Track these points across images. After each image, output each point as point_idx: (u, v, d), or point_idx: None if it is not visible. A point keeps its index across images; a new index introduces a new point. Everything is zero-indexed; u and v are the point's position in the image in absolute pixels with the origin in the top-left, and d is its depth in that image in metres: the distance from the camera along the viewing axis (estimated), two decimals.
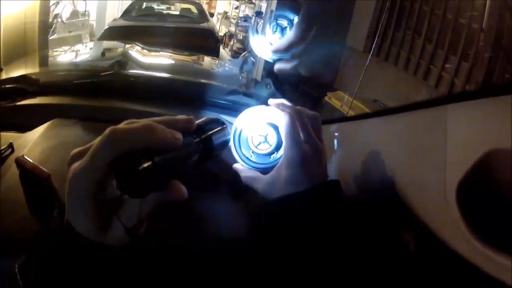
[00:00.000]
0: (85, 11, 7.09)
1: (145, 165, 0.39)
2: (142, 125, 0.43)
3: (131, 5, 6.72)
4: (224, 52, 8.03)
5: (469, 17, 2.01)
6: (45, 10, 2.41)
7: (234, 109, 1.24)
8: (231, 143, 0.68)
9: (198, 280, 0.69)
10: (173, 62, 2.39)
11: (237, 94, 1.36)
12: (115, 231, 0.45)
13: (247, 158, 0.70)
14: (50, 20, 5.12)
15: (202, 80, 1.74)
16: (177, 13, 7.07)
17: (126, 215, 0.46)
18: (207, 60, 2.87)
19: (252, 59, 6.46)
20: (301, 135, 0.64)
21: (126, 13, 6.25)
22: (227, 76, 2.49)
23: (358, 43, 3.24)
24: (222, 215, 0.79)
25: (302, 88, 1.31)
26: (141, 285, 0.64)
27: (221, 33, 9.24)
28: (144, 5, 6.96)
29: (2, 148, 0.96)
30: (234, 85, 1.96)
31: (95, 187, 0.43)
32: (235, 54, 8.18)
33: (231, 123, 1.04)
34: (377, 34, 2.94)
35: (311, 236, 0.60)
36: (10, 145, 0.98)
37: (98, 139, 0.42)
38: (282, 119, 0.64)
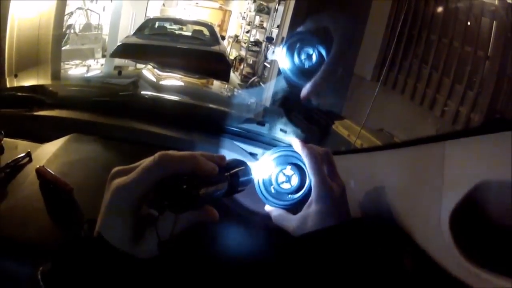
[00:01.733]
0: (98, 24, 7.18)
1: (189, 186, 0.45)
2: (188, 154, 0.49)
3: (144, 23, 6.81)
4: (233, 76, 8.05)
5: (475, 45, 2.05)
6: (60, 20, 2.44)
7: (249, 137, 1.26)
8: (255, 181, 0.71)
9: None
10: (184, 84, 2.43)
11: (252, 122, 1.38)
12: (145, 245, 0.49)
13: (269, 194, 0.72)
14: (63, 29, 5.18)
15: (219, 107, 1.78)
16: (189, 34, 7.13)
17: (161, 230, 0.48)
18: (216, 84, 2.90)
19: (262, 84, 6.48)
20: (327, 173, 0.68)
21: (139, 31, 6.33)
22: (237, 102, 2.52)
23: (366, 72, 3.28)
24: (248, 245, 0.81)
25: (310, 116, 1.33)
26: None
27: (231, 57, 9.29)
28: (157, 24, 7.04)
29: (20, 156, 0.97)
30: (245, 111, 2.00)
31: (138, 201, 0.48)
32: (245, 79, 8.19)
33: (245, 150, 1.07)
34: (386, 63, 2.98)
35: (338, 267, 0.63)
36: (28, 154, 0.99)
37: (147, 160, 0.47)
38: (310, 157, 0.68)
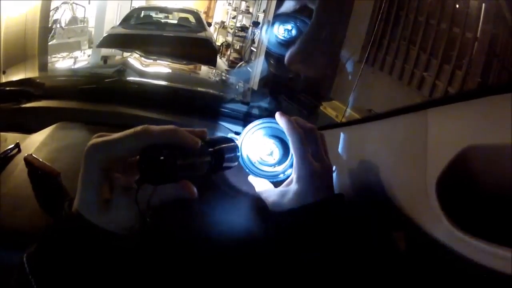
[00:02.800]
0: (84, 17, 7.11)
1: (167, 156, 0.45)
2: (168, 126, 0.48)
3: (130, 13, 6.76)
4: (220, 62, 8.03)
5: (463, 27, 2.05)
6: (45, 15, 2.43)
7: (235, 117, 1.27)
8: (239, 150, 0.70)
9: (199, 279, 0.72)
10: (171, 71, 2.42)
11: (236, 103, 1.38)
12: (123, 220, 0.49)
13: (253, 165, 0.72)
14: (50, 25, 5.14)
15: (204, 89, 1.78)
16: (175, 22, 7.08)
17: (140, 204, 0.49)
18: (204, 69, 2.89)
19: (249, 69, 6.48)
20: (310, 152, 0.67)
21: (124, 21, 6.28)
22: (225, 85, 2.53)
23: (353, 53, 3.28)
24: (229, 222, 0.82)
25: (298, 97, 1.33)
26: (147, 272, 0.67)
27: (218, 43, 9.25)
28: (143, 13, 6.98)
29: (9, 147, 0.99)
30: (232, 94, 2.00)
31: (111, 164, 0.48)
32: (232, 64, 8.17)
33: (231, 130, 1.07)
34: (375, 44, 2.97)
35: (315, 246, 0.64)
36: (17, 145, 1.00)
37: (130, 130, 0.47)
38: (293, 136, 0.66)
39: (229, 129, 1.19)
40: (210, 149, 0.54)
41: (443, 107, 0.60)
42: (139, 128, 0.47)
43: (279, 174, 0.72)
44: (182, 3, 9.34)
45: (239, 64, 7.62)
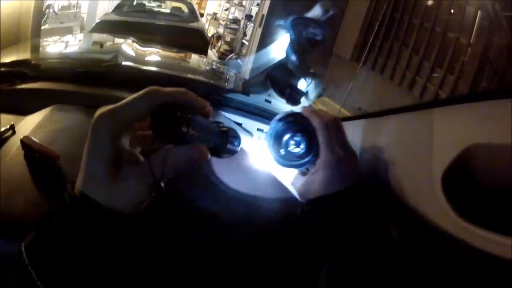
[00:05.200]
0: (77, 3, 7.04)
1: (183, 112, 0.43)
2: (179, 88, 0.47)
3: (123, 0, 6.70)
4: (211, 53, 7.99)
5: (457, 32, 2.07)
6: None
7: (235, 107, 1.26)
8: (267, 141, 0.75)
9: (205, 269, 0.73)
10: (164, 58, 2.41)
11: (236, 93, 1.37)
12: (131, 196, 0.45)
13: (279, 156, 0.76)
14: (43, 9, 5.08)
15: (203, 79, 1.77)
16: (168, 11, 7.05)
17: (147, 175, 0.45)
18: (194, 58, 2.87)
19: (239, 61, 6.46)
20: (336, 140, 0.70)
21: (118, 8, 6.22)
22: (216, 74, 2.52)
23: (345, 51, 3.30)
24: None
25: (288, 92, 1.33)
26: (154, 257, 0.66)
27: (209, 34, 9.22)
28: (135, 1, 6.93)
29: (3, 129, 0.96)
30: (226, 83, 2.00)
31: (120, 129, 0.46)
32: (222, 56, 8.15)
33: (230, 120, 1.07)
34: (368, 43, 2.99)
35: (343, 231, 0.66)
36: (11, 127, 0.98)
37: (137, 93, 0.45)
38: (319, 125, 0.70)
39: (230, 119, 1.18)
40: (217, 127, 0.53)
41: (449, 107, 0.63)
42: (147, 89, 0.45)
43: (305, 163, 0.75)
44: None
45: (229, 56, 7.61)
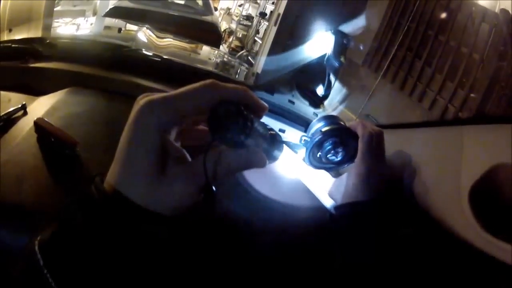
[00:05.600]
0: None
1: (246, 112, 0.41)
2: (239, 85, 0.43)
3: None
4: (221, 48, 7.97)
5: (471, 47, 2.06)
6: None
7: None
8: (307, 147, 0.82)
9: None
10: (184, 49, 2.40)
11: (259, 89, 1.35)
12: (174, 194, 0.41)
13: (314, 158, 0.84)
14: None
15: (225, 74, 1.77)
16: (182, 2, 7.02)
17: (198, 175, 0.42)
18: (205, 49, 2.87)
19: (250, 59, 6.45)
20: (374, 153, 0.77)
21: None
22: (229, 68, 2.52)
23: (357, 56, 3.29)
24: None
25: (299, 95, 1.33)
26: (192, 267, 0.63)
27: (221, 29, 9.18)
28: None
29: (13, 108, 0.91)
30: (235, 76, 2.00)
31: (171, 122, 0.43)
32: (232, 52, 8.12)
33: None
34: (381, 50, 2.98)
35: (367, 238, 0.71)
36: (23, 107, 0.94)
37: (194, 84, 0.42)
38: (364, 137, 0.77)
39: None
40: (270, 131, 0.51)
41: (479, 126, 0.65)
42: (206, 81, 0.42)
43: (339, 167, 0.84)
44: None
45: (240, 53, 7.59)
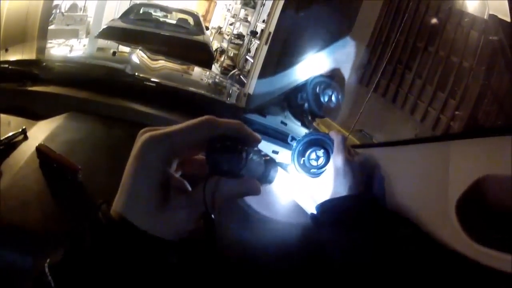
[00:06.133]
0: (84, 5, 7.05)
1: (240, 146, 0.44)
2: (234, 120, 0.46)
3: (130, 8, 6.70)
4: (213, 68, 7.99)
5: (461, 56, 2.09)
6: None
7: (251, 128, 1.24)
8: (293, 152, 0.96)
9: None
10: (174, 71, 2.42)
11: (252, 112, 1.36)
12: (177, 221, 0.44)
13: (298, 163, 0.96)
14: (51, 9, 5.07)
15: (220, 98, 1.79)
16: (174, 22, 7.07)
17: (197, 203, 0.45)
18: (198, 70, 2.88)
19: (242, 78, 6.46)
20: (347, 154, 0.86)
21: (124, 15, 6.23)
22: (221, 89, 2.54)
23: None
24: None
25: (291, 116, 1.35)
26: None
27: (213, 48, 9.21)
28: (142, 10, 6.95)
29: (14, 132, 0.92)
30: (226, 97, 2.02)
31: (172, 158, 0.46)
32: (224, 71, 8.14)
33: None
34: (371, 65, 3.01)
35: (349, 229, 0.76)
36: (24, 131, 0.94)
37: (192, 120, 0.44)
38: (336, 139, 0.89)
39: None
40: (263, 156, 0.54)
41: (465, 140, 0.67)
42: (204, 118, 0.44)
43: (319, 173, 0.92)
44: (183, 3, 9.31)
45: (232, 72, 7.61)
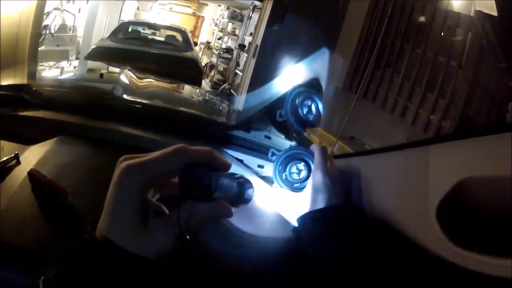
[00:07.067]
0: (73, 26, 7.07)
1: (210, 171, 0.48)
2: (204, 148, 0.50)
3: (118, 26, 6.73)
4: (203, 83, 8.00)
5: (448, 55, 2.10)
6: (38, 19, 2.41)
7: (234, 143, 1.26)
8: (274, 166, 0.96)
9: None
10: (162, 90, 2.44)
11: (237, 129, 1.37)
12: (156, 244, 0.48)
13: (280, 178, 0.96)
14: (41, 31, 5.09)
15: (209, 116, 1.81)
16: (162, 39, 7.09)
17: (172, 227, 0.49)
18: (187, 88, 2.89)
19: (233, 92, 6.47)
20: (326, 166, 0.86)
21: (113, 34, 6.24)
22: (209, 105, 2.56)
23: (337, 80, 3.33)
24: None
25: (274, 126, 1.36)
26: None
27: (202, 63, 9.23)
28: (131, 28, 6.99)
29: (7, 158, 0.94)
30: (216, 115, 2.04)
31: (150, 185, 0.50)
32: (215, 86, 8.15)
33: (233, 157, 1.13)
34: (360, 71, 3.03)
35: (332, 241, 0.76)
36: (16, 156, 0.96)
37: (166, 149, 0.48)
38: (316, 151, 0.90)
39: (232, 155, 1.20)
40: (236, 179, 0.57)
41: (443, 143, 0.68)
42: (176, 147, 0.48)
43: (301, 187, 0.92)
44: (170, 21, 9.35)
45: (222, 87, 7.62)
